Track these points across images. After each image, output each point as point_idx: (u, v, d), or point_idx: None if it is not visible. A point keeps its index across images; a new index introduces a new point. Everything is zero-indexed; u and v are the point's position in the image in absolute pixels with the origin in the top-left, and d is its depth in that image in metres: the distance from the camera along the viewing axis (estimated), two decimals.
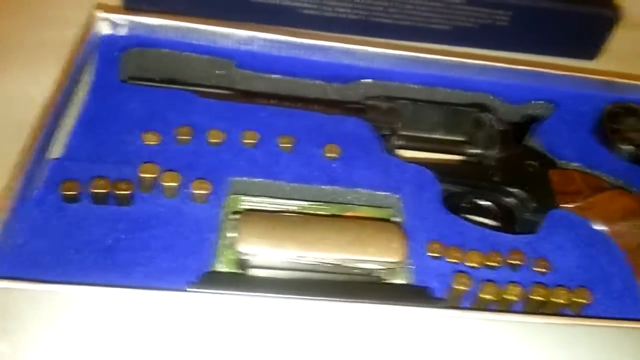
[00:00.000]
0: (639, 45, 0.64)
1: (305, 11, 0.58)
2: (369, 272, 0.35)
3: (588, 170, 0.45)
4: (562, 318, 0.34)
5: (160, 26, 0.46)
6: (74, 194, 0.34)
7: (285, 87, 0.47)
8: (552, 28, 0.61)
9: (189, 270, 0.33)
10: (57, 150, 0.38)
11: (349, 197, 0.40)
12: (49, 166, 0.36)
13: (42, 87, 0.39)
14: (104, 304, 0.30)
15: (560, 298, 0.35)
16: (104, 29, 0.45)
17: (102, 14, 0.45)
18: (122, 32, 0.46)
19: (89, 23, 0.44)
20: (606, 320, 0.35)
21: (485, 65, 0.49)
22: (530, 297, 0.35)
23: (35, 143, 0.35)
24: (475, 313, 0.33)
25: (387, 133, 0.45)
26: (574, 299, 0.35)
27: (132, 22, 0.45)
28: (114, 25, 0.45)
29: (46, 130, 0.36)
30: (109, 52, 0.44)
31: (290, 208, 0.39)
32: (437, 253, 0.37)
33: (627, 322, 0.34)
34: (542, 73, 0.50)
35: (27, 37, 0.53)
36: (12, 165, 0.34)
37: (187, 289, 0.31)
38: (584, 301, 0.35)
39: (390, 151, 0.44)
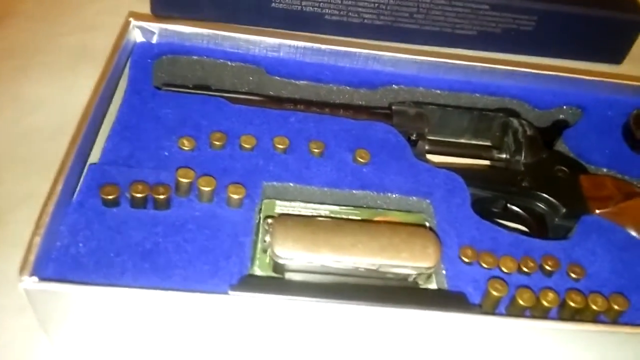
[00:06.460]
0: None
1: (332, 17, 0.59)
2: (404, 277, 0.35)
3: (618, 176, 0.45)
4: (600, 325, 0.34)
5: (191, 34, 0.47)
6: (114, 198, 0.35)
7: (313, 93, 0.48)
8: (577, 33, 0.61)
9: (225, 273, 0.33)
10: (94, 154, 0.38)
11: (380, 202, 0.40)
12: (88, 170, 0.37)
13: (80, 93, 0.40)
14: (147, 306, 0.31)
15: (597, 305, 0.35)
16: (137, 37, 0.46)
17: (135, 22, 0.45)
18: (154, 39, 0.47)
19: (124, 31, 0.44)
20: None
21: (511, 71, 0.49)
22: (568, 303, 0.35)
23: (77, 148, 0.35)
24: (512, 320, 0.33)
25: (415, 138, 0.45)
26: (611, 306, 0.35)
27: (164, 29, 0.46)
28: (147, 32, 0.46)
29: (86, 135, 0.37)
30: (142, 59, 0.45)
31: (322, 212, 0.39)
32: (470, 258, 0.36)
33: None
34: (569, 78, 0.50)
35: (65, 43, 0.54)
36: (55, 170, 0.34)
37: (229, 292, 0.31)
38: (619, 308, 0.35)
39: (418, 156, 0.44)
